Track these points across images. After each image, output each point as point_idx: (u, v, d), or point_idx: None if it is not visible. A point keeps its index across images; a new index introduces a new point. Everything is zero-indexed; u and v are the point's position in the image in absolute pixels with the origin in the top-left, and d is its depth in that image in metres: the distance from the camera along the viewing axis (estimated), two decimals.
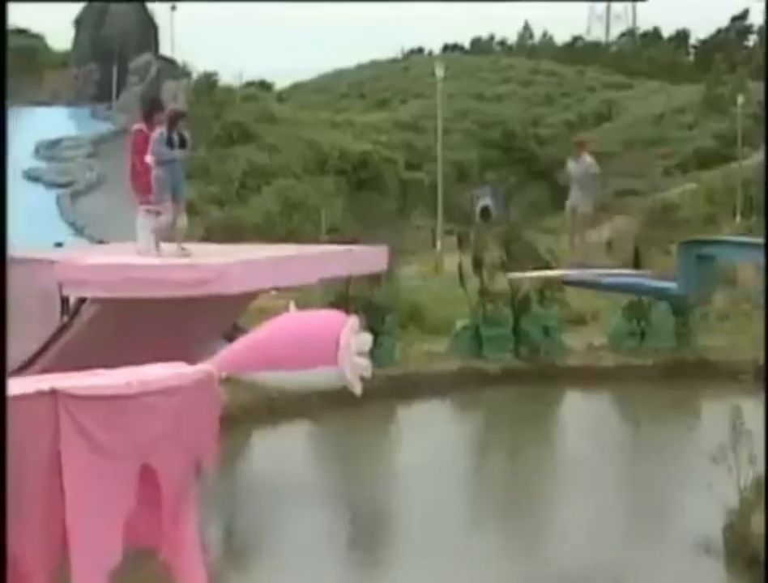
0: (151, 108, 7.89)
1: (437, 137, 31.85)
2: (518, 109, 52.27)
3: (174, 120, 7.47)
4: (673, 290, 7.27)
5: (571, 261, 10.27)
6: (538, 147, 46.76)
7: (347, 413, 8.43)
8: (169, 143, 7.27)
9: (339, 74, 72.28)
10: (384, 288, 11.62)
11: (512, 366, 11.34)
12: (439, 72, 32.15)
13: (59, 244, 12.44)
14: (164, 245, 7.59)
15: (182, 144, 7.37)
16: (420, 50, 79.09)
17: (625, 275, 9.19)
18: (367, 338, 4.32)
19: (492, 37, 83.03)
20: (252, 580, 5.83)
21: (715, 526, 6.00)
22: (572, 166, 10.70)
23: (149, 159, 7.37)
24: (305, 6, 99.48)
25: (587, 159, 10.58)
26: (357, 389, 4.45)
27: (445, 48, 76.72)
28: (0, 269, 4.02)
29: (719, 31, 66.49)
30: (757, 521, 5.66)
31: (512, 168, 43.21)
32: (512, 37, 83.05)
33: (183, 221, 7.48)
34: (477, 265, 12.29)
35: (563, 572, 5.74)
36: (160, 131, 7.32)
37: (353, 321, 4.33)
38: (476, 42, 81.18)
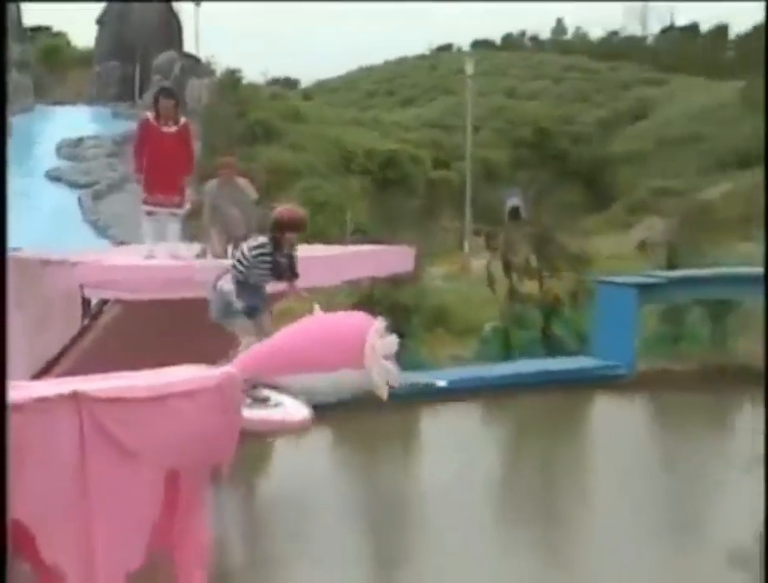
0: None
1: (466, 135, 31.51)
2: (550, 107, 51.66)
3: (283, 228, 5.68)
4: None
5: None
6: (571, 146, 46.15)
7: (369, 419, 8.30)
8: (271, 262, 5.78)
9: (365, 72, 72.51)
10: (410, 290, 11.44)
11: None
12: (469, 68, 32.27)
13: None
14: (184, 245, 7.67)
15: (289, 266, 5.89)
16: (449, 47, 78.73)
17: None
18: (394, 341, 4.22)
19: (523, 33, 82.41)
20: None
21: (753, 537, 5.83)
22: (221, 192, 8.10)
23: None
24: (331, 3, 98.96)
25: (241, 182, 8.39)
26: (384, 393, 4.36)
27: (475, 44, 76.38)
28: (0, 269, 3.91)
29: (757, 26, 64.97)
30: None
31: (544, 167, 42.54)
32: (544, 33, 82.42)
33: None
34: (506, 266, 12.10)
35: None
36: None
37: (380, 323, 4.23)
38: (507, 38, 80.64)
